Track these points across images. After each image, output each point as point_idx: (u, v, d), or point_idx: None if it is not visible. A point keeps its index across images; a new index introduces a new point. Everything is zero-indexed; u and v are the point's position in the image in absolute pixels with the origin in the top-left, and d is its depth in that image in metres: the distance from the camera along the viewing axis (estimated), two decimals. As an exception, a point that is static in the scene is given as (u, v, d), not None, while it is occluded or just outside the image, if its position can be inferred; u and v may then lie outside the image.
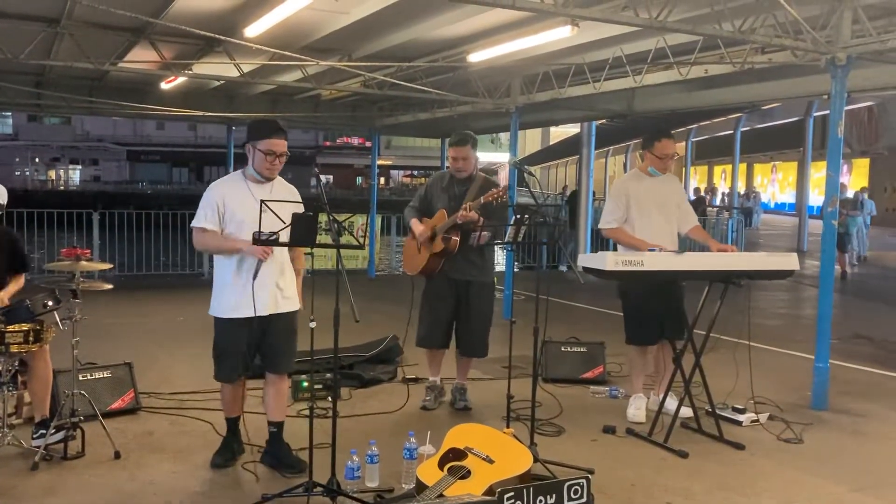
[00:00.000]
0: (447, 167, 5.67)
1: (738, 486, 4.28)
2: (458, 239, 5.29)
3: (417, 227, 5.49)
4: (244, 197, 4.18)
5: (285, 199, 4.07)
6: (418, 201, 5.65)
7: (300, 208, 3.90)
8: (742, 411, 5.41)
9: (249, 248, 4.04)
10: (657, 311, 5.30)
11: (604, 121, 15.84)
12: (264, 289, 4.15)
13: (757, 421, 5.36)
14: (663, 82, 8.57)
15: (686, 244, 5.95)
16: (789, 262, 5.11)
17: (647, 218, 5.41)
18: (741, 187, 32.37)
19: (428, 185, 5.72)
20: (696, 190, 27.00)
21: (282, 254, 4.25)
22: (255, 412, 5.14)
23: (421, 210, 5.60)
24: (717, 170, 39.27)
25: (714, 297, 5.05)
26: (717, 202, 32.67)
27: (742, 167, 31.41)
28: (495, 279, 5.75)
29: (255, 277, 4.08)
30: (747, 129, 26.64)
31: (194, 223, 4.24)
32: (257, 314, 4.10)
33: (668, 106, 11.15)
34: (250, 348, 4.28)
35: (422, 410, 5.52)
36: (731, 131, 26.13)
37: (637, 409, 5.44)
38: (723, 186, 36.24)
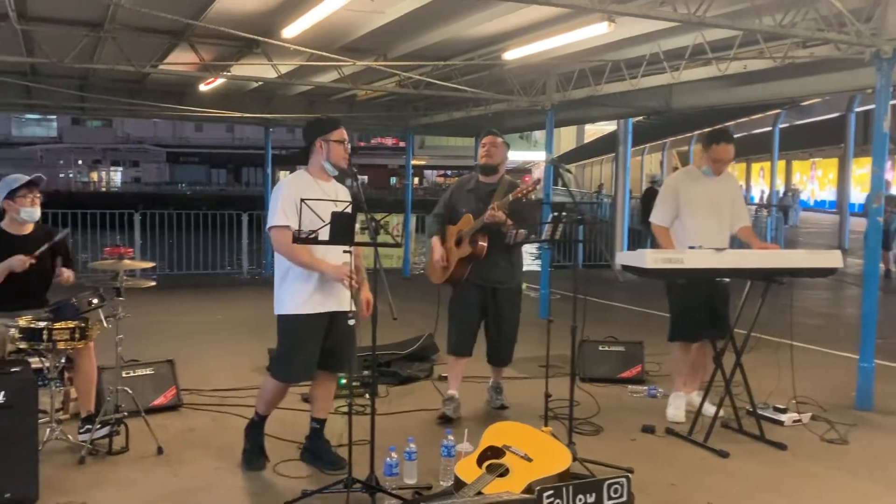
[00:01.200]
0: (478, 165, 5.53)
1: (780, 488, 4.22)
2: (485, 243, 5.15)
3: (437, 250, 5.35)
4: (318, 196, 4.08)
5: (344, 198, 4.12)
6: (443, 207, 5.50)
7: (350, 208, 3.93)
8: (784, 411, 5.33)
9: (334, 271, 4.04)
10: (703, 308, 5.26)
11: (640, 118, 15.69)
12: (337, 285, 4.13)
13: (799, 421, 5.28)
14: (702, 78, 8.47)
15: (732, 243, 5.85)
16: (832, 259, 5.01)
17: (697, 218, 5.34)
18: (780, 185, 31.87)
19: (453, 189, 5.60)
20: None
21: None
22: (294, 409, 5.20)
23: (446, 217, 5.44)
24: (755, 167, 38.69)
25: (755, 295, 4.98)
26: (756, 200, 32.20)
27: (780, 164, 30.92)
28: (525, 281, 5.66)
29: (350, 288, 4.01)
30: (786, 125, 26.20)
31: (276, 222, 4.12)
32: (347, 308, 4.03)
33: (706, 102, 11.02)
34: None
35: (439, 420, 5.24)
36: (770, 128, 25.73)
37: (676, 409, 5.39)
38: (761, 184, 35.72)
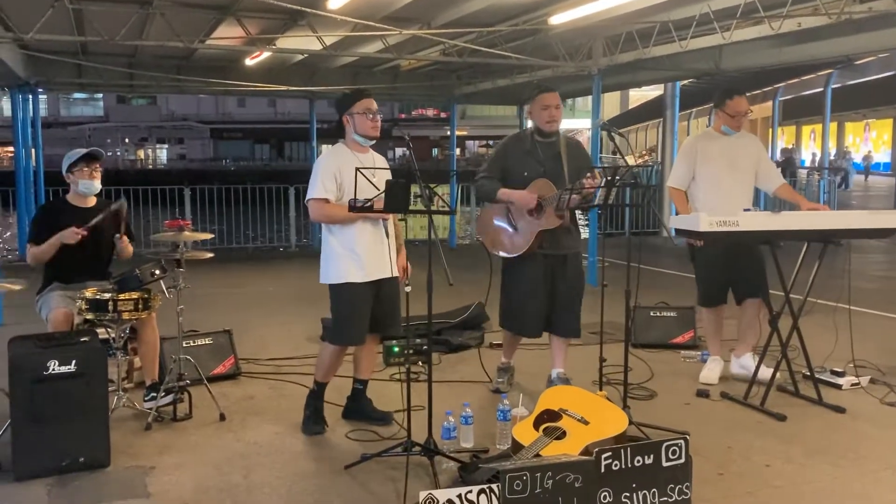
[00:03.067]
0: (527, 127, 5.08)
1: (840, 450, 4.17)
2: (569, 214, 4.80)
3: (521, 195, 4.77)
4: (355, 166, 4.20)
5: (381, 167, 4.26)
6: (497, 169, 4.97)
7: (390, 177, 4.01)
8: (841, 374, 5.26)
9: (374, 214, 4.13)
10: (727, 272, 5.27)
11: (687, 81, 15.38)
12: (386, 253, 4.29)
13: (858, 384, 5.21)
14: (753, 38, 8.26)
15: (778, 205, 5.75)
16: (892, 220, 4.90)
17: (715, 179, 5.26)
18: (831, 147, 31.09)
19: (506, 148, 5.05)
20: (785, 150, 26.03)
21: (391, 218, 4.38)
22: (348, 376, 5.28)
23: (499, 179, 4.94)
24: (806, 130, 37.72)
25: (811, 257, 4.90)
26: (806, 163, 31.46)
27: (832, 126, 30.11)
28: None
29: (388, 237, 4.25)
30: (838, 85, 25.44)
31: (314, 195, 4.25)
32: (391, 275, 4.33)
33: (757, 63, 10.72)
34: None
35: (494, 393, 5.16)
36: (821, 89, 25.02)
37: (709, 371, 5.43)
38: (812, 147, 34.86)
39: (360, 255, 4.28)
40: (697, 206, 5.28)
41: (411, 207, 3.88)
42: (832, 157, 28.81)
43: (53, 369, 3.81)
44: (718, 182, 5.25)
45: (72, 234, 4.61)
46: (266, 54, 10.42)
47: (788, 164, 21.18)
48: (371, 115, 4.33)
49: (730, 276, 5.31)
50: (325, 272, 4.38)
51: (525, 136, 5.03)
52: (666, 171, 14.30)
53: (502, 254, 4.97)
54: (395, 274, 4.43)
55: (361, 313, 4.35)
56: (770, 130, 27.38)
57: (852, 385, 5.20)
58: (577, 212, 5.04)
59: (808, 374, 5.04)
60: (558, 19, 8.16)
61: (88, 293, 4.43)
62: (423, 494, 3.03)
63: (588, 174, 4.55)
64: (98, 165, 4.84)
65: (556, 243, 4.88)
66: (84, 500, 3.59)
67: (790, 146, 31.87)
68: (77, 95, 55.67)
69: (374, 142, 4.43)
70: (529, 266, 4.90)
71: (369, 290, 4.34)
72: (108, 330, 4.55)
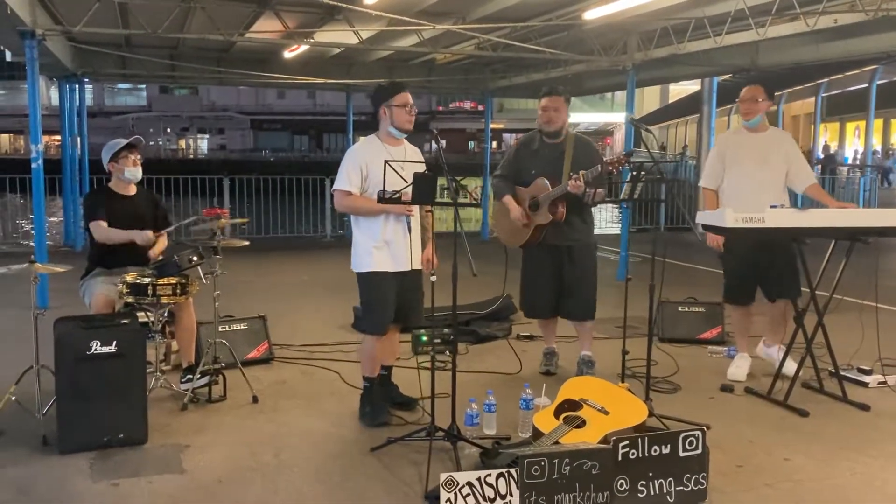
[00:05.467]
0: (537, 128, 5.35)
1: (862, 448, 4.19)
2: (564, 209, 5.07)
3: (515, 208, 5.24)
4: (384, 159, 4.28)
5: (415, 159, 4.34)
6: (507, 168, 5.42)
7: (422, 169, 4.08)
8: (868, 372, 5.25)
9: (396, 209, 4.26)
10: (755, 270, 5.26)
11: (727, 77, 15.24)
12: (408, 246, 4.38)
13: (884, 383, 5.19)
14: (789, 34, 8.20)
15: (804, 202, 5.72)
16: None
17: (743, 174, 5.26)
18: (876, 145, 30.41)
19: (517, 148, 5.46)
20: (826, 147, 25.57)
21: (416, 213, 4.46)
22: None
23: (510, 178, 5.37)
24: (850, 126, 36.98)
25: (838, 255, 4.90)
26: (849, 160, 30.86)
27: (877, 123, 29.46)
28: (602, 244, 5.63)
29: (410, 231, 4.35)
30: (884, 81, 24.90)
31: (339, 186, 4.39)
32: (413, 268, 4.41)
33: (794, 59, 10.63)
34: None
35: (544, 375, 5.41)
36: (866, 85, 24.53)
37: (737, 368, 5.44)
38: (856, 144, 34.17)
39: (382, 246, 4.39)
40: (725, 202, 5.28)
41: (438, 200, 3.99)
42: (876, 154, 28.17)
43: (95, 349, 3.99)
44: (748, 178, 5.25)
45: (146, 238, 4.81)
46: (304, 47, 10.58)
47: (829, 162, 20.82)
48: (408, 109, 4.43)
49: (758, 273, 5.30)
50: (354, 261, 4.52)
51: (534, 136, 5.36)
52: (702, 167, 14.20)
53: (507, 244, 5.46)
54: (418, 267, 4.51)
55: (384, 302, 4.44)
56: (812, 127, 26.98)
57: (879, 384, 5.19)
58: (609, 205, 5.18)
59: (834, 371, 5.04)
60: (592, 15, 8.19)
61: (129, 277, 4.61)
62: (443, 476, 3.13)
63: (574, 175, 4.88)
64: (138, 153, 5.02)
65: (559, 235, 5.20)
66: (123, 474, 3.76)
67: (832, 144, 31.26)
68: (121, 85, 56.70)
69: (407, 134, 4.53)
70: (536, 256, 5.33)
71: (393, 281, 4.44)
72: (148, 313, 4.73)
